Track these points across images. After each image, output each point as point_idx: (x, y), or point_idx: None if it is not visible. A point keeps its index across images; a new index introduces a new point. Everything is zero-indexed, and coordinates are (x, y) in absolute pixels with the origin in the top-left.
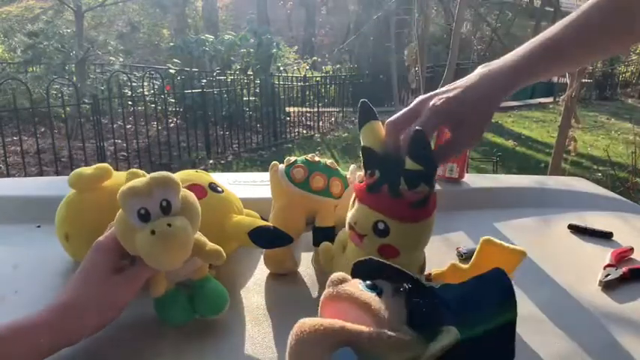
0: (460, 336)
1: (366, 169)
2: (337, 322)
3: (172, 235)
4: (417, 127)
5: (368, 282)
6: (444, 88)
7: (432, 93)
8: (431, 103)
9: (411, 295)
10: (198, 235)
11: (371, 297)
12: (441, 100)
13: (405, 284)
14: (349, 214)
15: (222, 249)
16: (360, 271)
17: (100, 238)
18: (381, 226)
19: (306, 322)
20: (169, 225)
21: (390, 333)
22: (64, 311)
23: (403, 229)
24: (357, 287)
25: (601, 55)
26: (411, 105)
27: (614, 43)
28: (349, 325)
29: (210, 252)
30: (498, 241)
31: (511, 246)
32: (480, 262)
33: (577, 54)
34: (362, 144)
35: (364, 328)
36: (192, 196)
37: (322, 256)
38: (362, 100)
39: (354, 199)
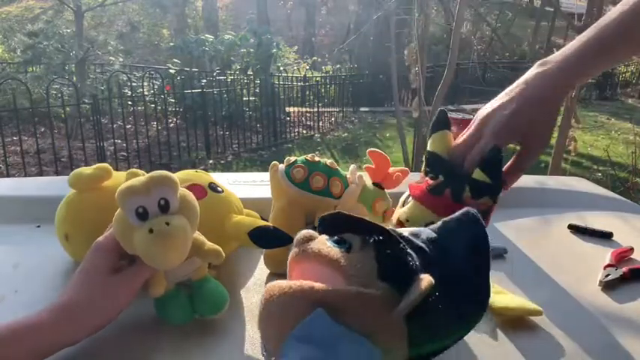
0: (434, 282)
1: (429, 173)
2: (306, 283)
3: (170, 234)
4: (494, 145)
5: (335, 237)
6: (501, 100)
7: (489, 108)
8: (490, 127)
9: (380, 247)
10: (197, 235)
11: (339, 253)
12: (500, 124)
13: (373, 236)
14: (401, 211)
15: (221, 248)
16: (326, 226)
17: (100, 238)
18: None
19: (274, 286)
20: (167, 224)
21: (360, 289)
22: (63, 312)
23: None
24: (325, 244)
25: None
26: (472, 127)
27: None
28: (318, 285)
29: (208, 251)
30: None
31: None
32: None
33: (625, 51)
34: (428, 149)
35: (335, 287)
36: (190, 195)
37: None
38: (441, 109)
39: (407, 198)
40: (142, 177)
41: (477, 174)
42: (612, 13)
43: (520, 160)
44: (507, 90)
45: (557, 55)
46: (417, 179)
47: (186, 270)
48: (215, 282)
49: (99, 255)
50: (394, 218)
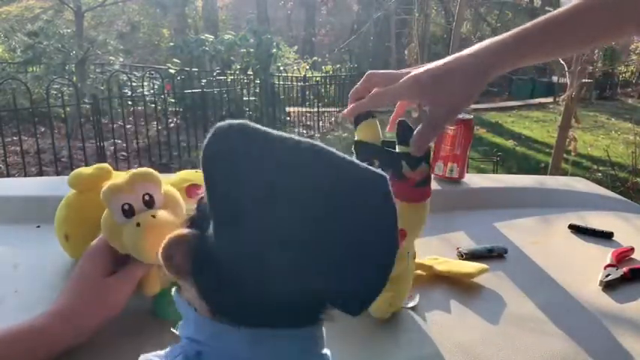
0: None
1: (363, 161)
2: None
3: (157, 224)
4: (400, 119)
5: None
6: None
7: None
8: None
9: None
10: None
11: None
12: (421, 72)
13: None
14: None
15: None
16: None
17: (92, 243)
18: None
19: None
20: (153, 216)
21: None
22: (59, 318)
23: (409, 210)
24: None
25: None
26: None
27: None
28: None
29: None
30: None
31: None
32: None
33: (568, 43)
34: (355, 139)
35: None
36: (174, 191)
37: None
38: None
39: None
40: (125, 175)
41: (401, 149)
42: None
43: (424, 128)
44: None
45: (497, 38)
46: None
47: None
48: None
49: (90, 260)
50: None
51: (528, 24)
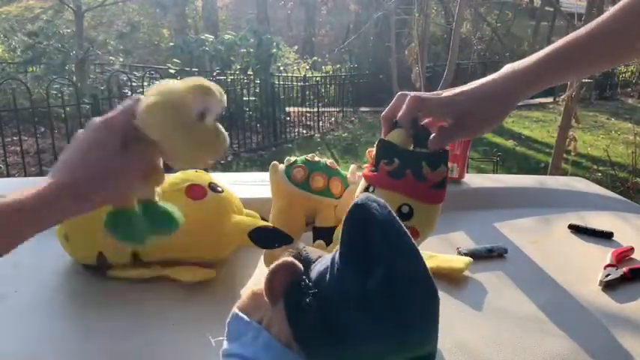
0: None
1: (383, 159)
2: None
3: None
4: (421, 124)
5: None
6: (460, 88)
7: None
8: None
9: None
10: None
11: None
12: (444, 95)
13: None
14: None
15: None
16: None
17: (106, 115)
18: (405, 209)
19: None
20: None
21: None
22: (66, 190)
23: (426, 210)
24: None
25: (610, 62)
26: (408, 100)
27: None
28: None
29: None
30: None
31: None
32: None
33: (585, 66)
34: (383, 139)
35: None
36: None
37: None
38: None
39: (365, 189)
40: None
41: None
42: (583, 28)
43: (448, 133)
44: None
45: (524, 60)
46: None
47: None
48: (164, 205)
49: (107, 133)
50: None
51: (551, 48)
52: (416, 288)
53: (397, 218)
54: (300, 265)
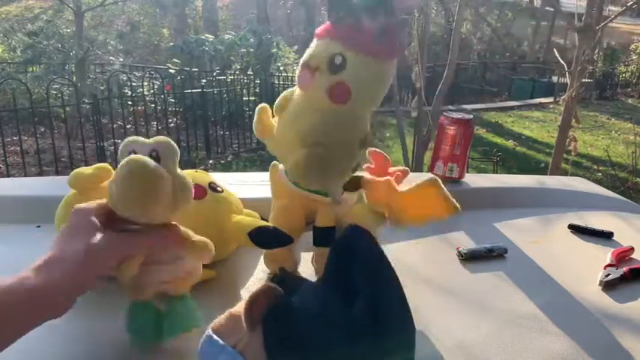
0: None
1: (335, 9)
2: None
3: (145, 163)
4: None
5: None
6: None
7: None
8: None
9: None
10: (185, 229)
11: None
12: None
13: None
14: (306, 54)
15: (209, 241)
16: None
17: (79, 205)
18: (338, 59)
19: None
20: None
21: None
22: (39, 269)
23: (361, 63)
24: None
25: None
26: None
27: None
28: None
29: (197, 243)
30: (441, 188)
31: (450, 198)
32: (415, 196)
33: None
34: None
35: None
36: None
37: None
38: None
39: (313, 43)
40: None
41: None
42: None
43: None
44: None
45: None
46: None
47: (171, 271)
48: (192, 302)
49: (81, 214)
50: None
51: None
52: (396, 317)
53: (381, 249)
54: (282, 291)
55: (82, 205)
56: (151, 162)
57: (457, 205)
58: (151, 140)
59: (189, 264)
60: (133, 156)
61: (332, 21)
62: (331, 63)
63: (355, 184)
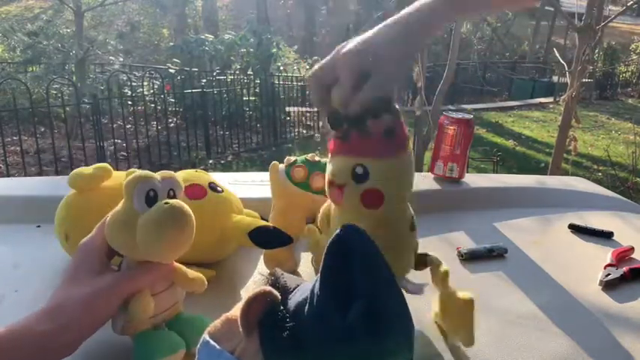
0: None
1: (336, 129)
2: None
3: (185, 209)
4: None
5: None
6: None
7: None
8: (342, 53)
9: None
10: (179, 265)
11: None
12: (350, 51)
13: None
14: (326, 174)
15: (203, 277)
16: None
17: (83, 240)
18: (359, 170)
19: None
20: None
21: None
22: (51, 313)
23: (381, 166)
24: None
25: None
26: (330, 56)
27: None
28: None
29: (194, 279)
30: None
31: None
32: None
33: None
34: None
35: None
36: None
37: (310, 240)
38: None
39: (330, 160)
40: (125, 174)
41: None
42: None
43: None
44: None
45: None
46: (417, 179)
47: (169, 301)
48: (188, 314)
49: (82, 255)
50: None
51: None
52: (395, 323)
53: (379, 250)
54: (278, 295)
55: (87, 239)
56: (188, 209)
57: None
58: (157, 176)
59: (180, 289)
60: (173, 203)
61: (338, 139)
62: (355, 176)
63: (422, 262)
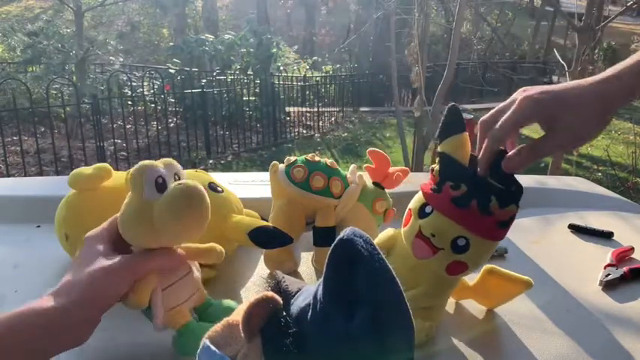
0: None
1: (449, 180)
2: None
3: (199, 188)
4: (501, 149)
5: None
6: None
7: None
8: (526, 93)
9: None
10: (190, 243)
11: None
12: (538, 91)
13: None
14: (424, 222)
15: (218, 246)
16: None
17: (91, 231)
18: (461, 242)
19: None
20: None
21: None
22: (59, 292)
23: (483, 247)
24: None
25: None
26: (511, 97)
27: None
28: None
29: (208, 250)
30: (502, 271)
31: (515, 275)
32: (481, 287)
33: None
34: (446, 154)
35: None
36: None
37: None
38: (453, 104)
39: (422, 206)
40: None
41: (493, 180)
42: None
43: (526, 151)
44: None
45: (615, 68)
46: (417, 179)
47: (186, 290)
48: (217, 301)
49: (93, 242)
50: (409, 225)
51: None
52: (400, 331)
53: (383, 256)
54: (280, 300)
55: (93, 232)
56: (201, 186)
57: (528, 280)
58: (159, 163)
59: (195, 277)
60: (187, 182)
61: (454, 200)
62: (455, 245)
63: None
